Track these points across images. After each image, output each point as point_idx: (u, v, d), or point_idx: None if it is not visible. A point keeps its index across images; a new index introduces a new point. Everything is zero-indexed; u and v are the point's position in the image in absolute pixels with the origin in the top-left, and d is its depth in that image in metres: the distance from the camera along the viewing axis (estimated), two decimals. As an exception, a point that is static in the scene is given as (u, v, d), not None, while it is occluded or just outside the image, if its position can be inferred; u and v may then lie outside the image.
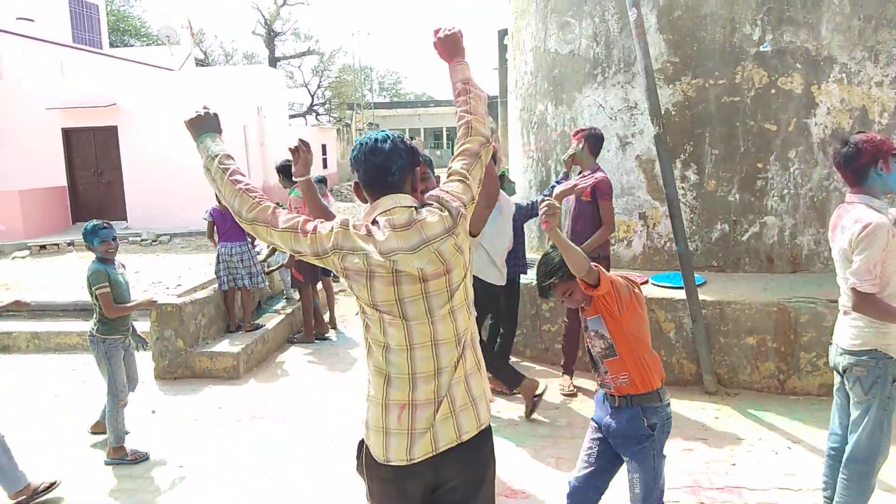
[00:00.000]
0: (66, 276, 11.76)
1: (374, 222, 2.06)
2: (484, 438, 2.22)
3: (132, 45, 36.54)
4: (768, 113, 5.67)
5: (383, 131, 2.16)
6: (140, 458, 4.53)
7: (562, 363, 5.51)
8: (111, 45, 28.23)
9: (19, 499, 3.97)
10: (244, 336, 6.61)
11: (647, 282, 5.73)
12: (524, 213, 5.22)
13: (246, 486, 4.12)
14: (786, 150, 5.67)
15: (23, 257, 14.58)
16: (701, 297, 5.21)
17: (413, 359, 2.07)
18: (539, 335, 6.04)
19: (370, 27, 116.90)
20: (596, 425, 3.03)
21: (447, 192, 2.12)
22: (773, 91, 5.64)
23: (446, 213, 2.06)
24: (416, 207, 2.08)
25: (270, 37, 40.87)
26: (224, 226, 6.95)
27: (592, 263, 2.71)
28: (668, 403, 2.94)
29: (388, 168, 2.10)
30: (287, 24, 41.49)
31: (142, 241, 15.59)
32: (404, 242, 2.01)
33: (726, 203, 5.85)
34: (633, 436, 2.87)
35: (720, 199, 5.86)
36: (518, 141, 7.50)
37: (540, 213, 2.63)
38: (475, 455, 2.19)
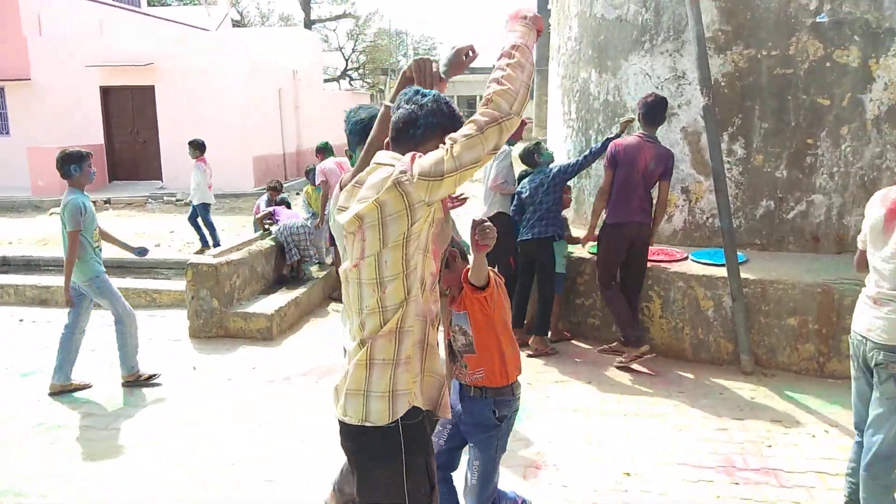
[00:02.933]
0: (104, 232, 11.93)
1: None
2: (350, 432, 2.12)
3: (170, 5, 36.56)
4: (822, 87, 5.45)
5: (433, 91, 2.08)
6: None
7: (621, 339, 5.36)
8: (149, 4, 28.29)
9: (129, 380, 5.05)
10: (278, 297, 6.64)
11: (686, 258, 5.61)
12: (567, 174, 5.59)
13: (277, 446, 4.16)
14: (838, 127, 5.46)
15: (60, 213, 14.81)
16: (742, 275, 5.08)
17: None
18: (573, 309, 5.97)
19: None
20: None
21: (415, 154, 1.97)
22: (827, 64, 5.41)
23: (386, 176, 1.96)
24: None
25: (307, -1, 40.60)
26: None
27: (491, 271, 2.66)
28: (519, 397, 2.92)
29: (415, 120, 2.05)
30: (324, -14, 41.12)
31: (177, 200, 15.73)
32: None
33: (773, 179, 5.67)
34: (481, 424, 2.85)
35: (767, 175, 5.68)
36: (558, 109, 7.34)
37: (475, 233, 2.46)
38: (352, 444, 2.16)
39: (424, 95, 2.08)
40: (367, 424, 2.06)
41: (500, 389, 2.83)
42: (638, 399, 4.74)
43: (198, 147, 9.88)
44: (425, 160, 1.93)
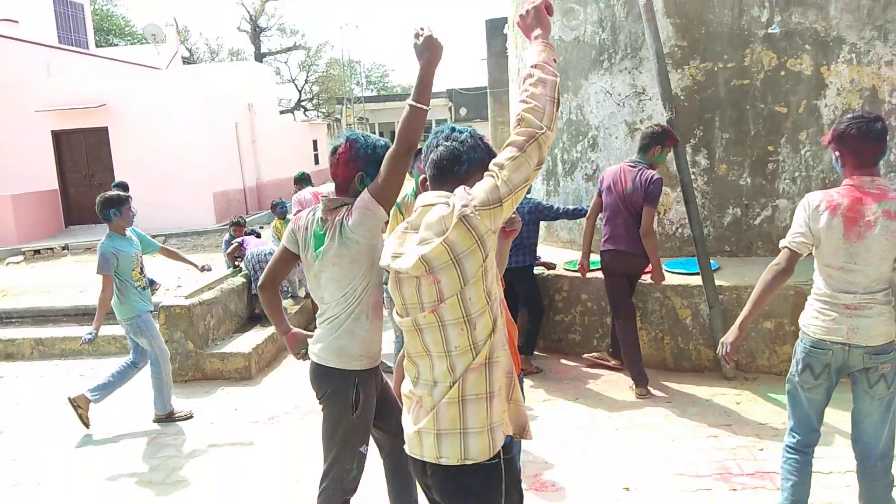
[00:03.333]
0: (64, 280, 11.65)
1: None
2: (447, 475, 2.06)
3: (117, 45, 36.16)
4: (778, 95, 5.63)
5: (468, 128, 2.19)
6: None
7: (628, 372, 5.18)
8: (97, 45, 27.93)
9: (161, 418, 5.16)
10: (254, 335, 6.54)
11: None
12: (543, 212, 5.57)
13: (272, 487, 4.07)
14: (796, 133, 5.64)
15: (17, 262, 14.45)
16: (717, 282, 5.18)
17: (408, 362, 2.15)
18: (553, 325, 6.00)
19: (356, 19, 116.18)
20: None
21: (466, 188, 2.00)
22: (782, 73, 5.60)
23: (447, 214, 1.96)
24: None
25: (256, 32, 40.65)
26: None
27: None
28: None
29: (458, 157, 2.10)
30: (272, 19, 41.30)
31: (137, 242, 15.42)
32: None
33: (738, 187, 5.82)
34: None
35: (731, 183, 5.83)
36: (522, 130, 7.43)
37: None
38: (449, 486, 2.08)
39: (461, 132, 2.13)
40: (468, 463, 2.02)
41: None
42: (627, 412, 4.77)
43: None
44: (480, 191, 1.96)
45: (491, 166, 1.99)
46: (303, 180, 8.06)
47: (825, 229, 2.83)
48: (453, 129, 2.14)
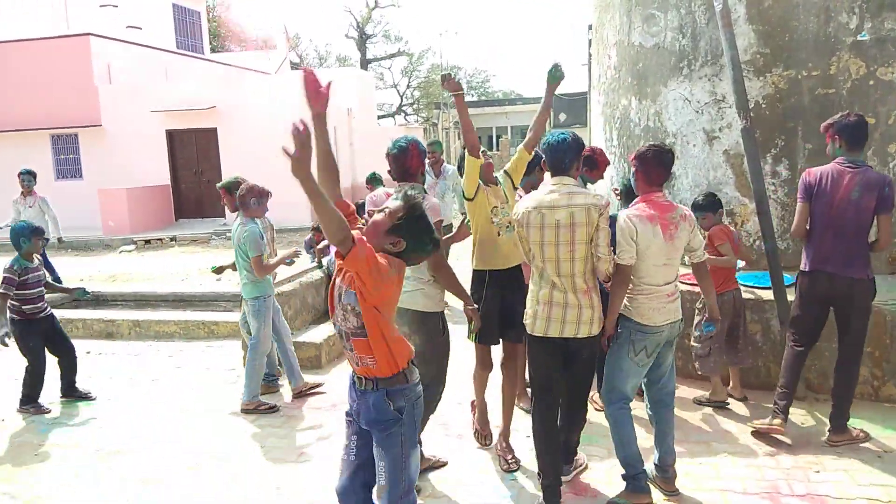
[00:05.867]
0: (169, 268, 12.46)
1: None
2: (591, 343, 3.61)
3: (232, 51, 38.17)
4: (866, 105, 5.37)
5: (564, 132, 3.58)
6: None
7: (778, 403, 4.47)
8: (212, 51, 29.61)
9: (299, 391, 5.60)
10: (328, 327, 6.82)
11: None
12: None
13: (324, 470, 4.28)
14: (885, 145, 5.36)
15: (129, 251, 15.52)
16: (790, 298, 5.00)
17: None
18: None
19: (458, 26, 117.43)
20: (350, 417, 2.92)
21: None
22: (871, 82, 5.34)
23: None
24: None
25: (362, 39, 41.88)
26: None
27: (356, 234, 2.60)
28: (418, 383, 2.83)
29: (562, 158, 3.57)
30: (378, 26, 42.43)
31: (237, 236, 16.28)
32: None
33: (819, 200, 5.57)
34: (380, 421, 2.76)
35: (813, 195, 5.59)
36: (601, 136, 7.40)
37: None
38: (584, 348, 3.60)
39: (564, 134, 3.61)
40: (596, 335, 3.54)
41: (390, 379, 2.75)
42: (686, 425, 4.69)
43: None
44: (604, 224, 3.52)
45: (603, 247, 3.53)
46: (374, 180, 8.31)
47: (651, 236, 3.53)
48: (560, 134, 3.60)
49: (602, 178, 5.20)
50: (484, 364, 4.34)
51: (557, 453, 3.68)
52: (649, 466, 3.84)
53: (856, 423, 4.53)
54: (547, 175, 3.84)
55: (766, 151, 5.65)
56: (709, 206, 4.94)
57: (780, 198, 5.69)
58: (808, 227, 4.34)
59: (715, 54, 5.81)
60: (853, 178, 4.16)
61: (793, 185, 5.63)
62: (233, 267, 5.66)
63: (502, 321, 4.17)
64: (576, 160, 3.59)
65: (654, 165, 3.60)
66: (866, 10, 5.28)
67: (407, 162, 3.97)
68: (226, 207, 5.71)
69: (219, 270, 5.93)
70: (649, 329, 3.60)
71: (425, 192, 3.71)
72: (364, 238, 2.64)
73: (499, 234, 4.12)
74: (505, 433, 4.31)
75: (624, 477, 3.71)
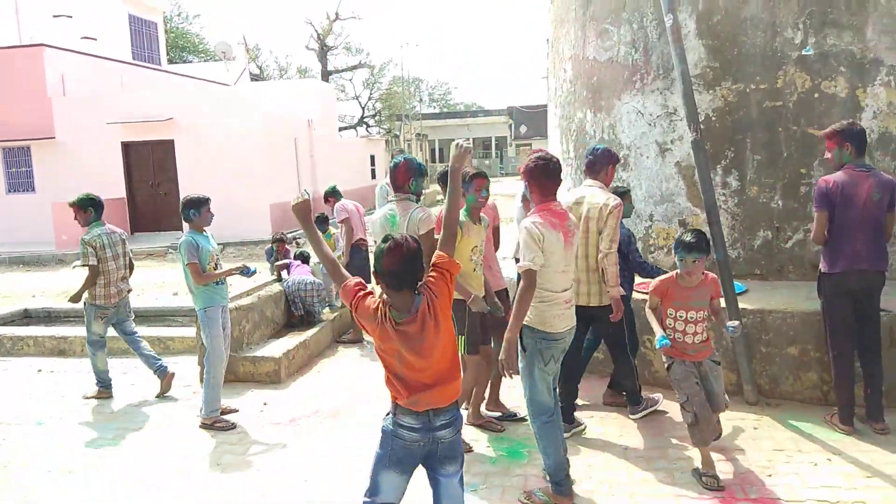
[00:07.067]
0: (123, 283, 12.18)
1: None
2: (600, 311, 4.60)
3: (190, 62, 37.73)
4: (812, 118, 5.55)
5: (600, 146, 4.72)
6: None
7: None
8: (170, 62, 29.23)
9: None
10: (287, 340, 6.77)
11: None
12: (627, 251, 5.01)
13: (281, 485, 4.23)
14: (831, 155, 5.53)
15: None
16: (741, 305, 5.12)
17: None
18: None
19: (420, 38, 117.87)
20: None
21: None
22: (816, 95, 5.52)
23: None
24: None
25: (323, 51, 41.69)
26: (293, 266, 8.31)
27: (353, 281, 2.84)
28: (400, 422, 2.79)
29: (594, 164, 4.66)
30: (339, 38, 42.26)
31: (195, 250, 16.03)
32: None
33: (769, 209, 5.73)
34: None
35: (763, 205, 5.75)
36: (558, 148, 7.49)
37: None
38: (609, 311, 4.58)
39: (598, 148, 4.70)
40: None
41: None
42: (638, 433, 4.75)
43: None
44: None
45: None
46: (335, 193, 8.39)
47: (556, 242, 3.66)
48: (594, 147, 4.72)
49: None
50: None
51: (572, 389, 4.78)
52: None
53: (805, 428, 4.66)
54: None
55: (717, 163, 5.79)
56: (703, 246, 4.01)
57: (731, 208, 5.83)
58: (826, 233, 4.56)
59: (666, 68, 5.94)
60: (870, 180, 4.46)
61: (743, 195, 5.79)
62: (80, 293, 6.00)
63: (484, 333, 4.79)
64: (605, 167, 4.70)
65: (543, 177, 3.75)
66: (810, 26, 5.46)
67: (396, 175, 4.54)
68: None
69: (75, 299, 6.14)
70: (553, 336, 3.72)
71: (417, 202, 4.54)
72: (356, 288, 2.83)
73: (474, 270, 4.57)
74: (480, 403, 4.97)
75: (550, 481, 3.85)
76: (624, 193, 5.00)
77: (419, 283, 2.74)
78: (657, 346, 4.07)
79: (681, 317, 4.08)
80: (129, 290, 6.26)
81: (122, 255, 6.14)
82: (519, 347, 3.68)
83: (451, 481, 2.85)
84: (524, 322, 3.66)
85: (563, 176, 7.08)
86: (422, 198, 6.43)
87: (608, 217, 4.42)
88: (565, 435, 4.07)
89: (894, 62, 5.37)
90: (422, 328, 2.69)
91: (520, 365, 3.74)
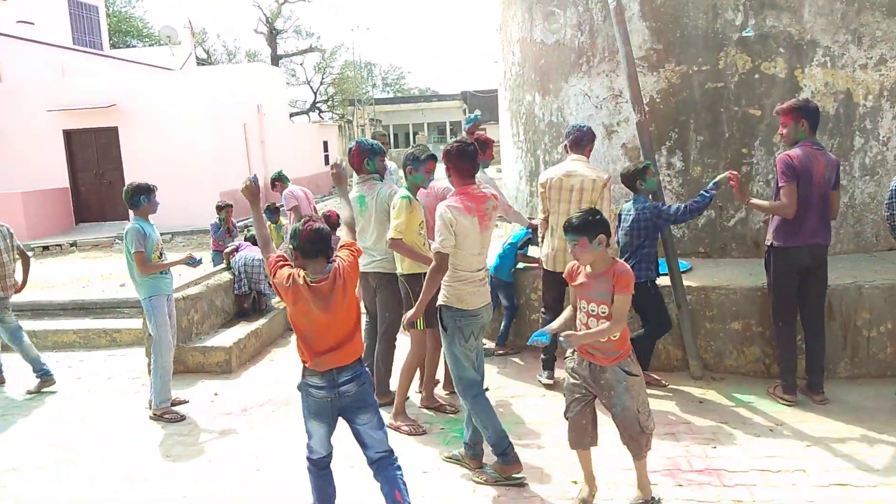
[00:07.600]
0: (69, 275, 11.89)
1: None
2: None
3: (134, 46, 36.66)
4: (752, 98, 5.67)
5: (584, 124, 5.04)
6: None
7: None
8: (113, 47, 28.35)
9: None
10: (238, 330, 6.68)
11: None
12: (665, 218, 4.95)
13: (233, 475, 4.19)
14: (770, 135, 5.67)
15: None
16: (686, 283, 5.23)
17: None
18: (528, 325, 6.06)
19: (371, 23, 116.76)
20: None
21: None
22: (756, 76, 5.64)
23: None
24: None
25: (272, 35, 40.98)
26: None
27: (276, 254, 3.26)
28: (308, 382, 3.23)
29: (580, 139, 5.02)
30: (288, 21, 41.58)
31: (144, 240, 15.67)
32: None
33: (712, 189, 5.85)
34: None
35: (706, 185, 5.85)
36: (508, 131, 7.52)
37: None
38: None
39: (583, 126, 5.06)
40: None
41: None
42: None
43: None
44: None
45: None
46: (282, 178, 8.36)
47: (470, 227, 3.77)
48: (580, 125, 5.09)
49: (492, 157, 6.00)
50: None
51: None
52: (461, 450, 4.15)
53: (749, 401, 4.80)
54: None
55: (661, 144, 5.88)
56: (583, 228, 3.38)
57: (675, 188, 5.94)
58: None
59: (612, 51, 5.99)
60: (822, 158, 4.56)
61: (686, 175, 5.90)
62: None
63: None
64: (589, 144, 5.13)
65: (460, 160, 3.87)
66: (750, 7, 5.57)
67: (351, 161, 4.93)
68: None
69: None
70: (470, 313, 3.87)
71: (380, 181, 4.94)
72: (276, 259, 3.26)
73: (423, 244, 4.68)
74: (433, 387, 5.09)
75: (495, 453, 3.92)
76: (645, 168, 4.91)
77: (330, 254, 3.14)
78: (528, 341, 3.49)
79: (583, 308, 3.46)
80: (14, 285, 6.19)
81: (12, 249, 6.15)
82: (440, 328, 3.94)
83: (368, 427, 3.28)
84: (443, 303, 3.89)
85: (512, 158, 7.16)
86: (388, 174, 6.44)
87: (603, 190, 4.89)
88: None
89: (830, 43, 5.52)
90: (332, 287, 3.12)
91: (444, 347, 3.98)
